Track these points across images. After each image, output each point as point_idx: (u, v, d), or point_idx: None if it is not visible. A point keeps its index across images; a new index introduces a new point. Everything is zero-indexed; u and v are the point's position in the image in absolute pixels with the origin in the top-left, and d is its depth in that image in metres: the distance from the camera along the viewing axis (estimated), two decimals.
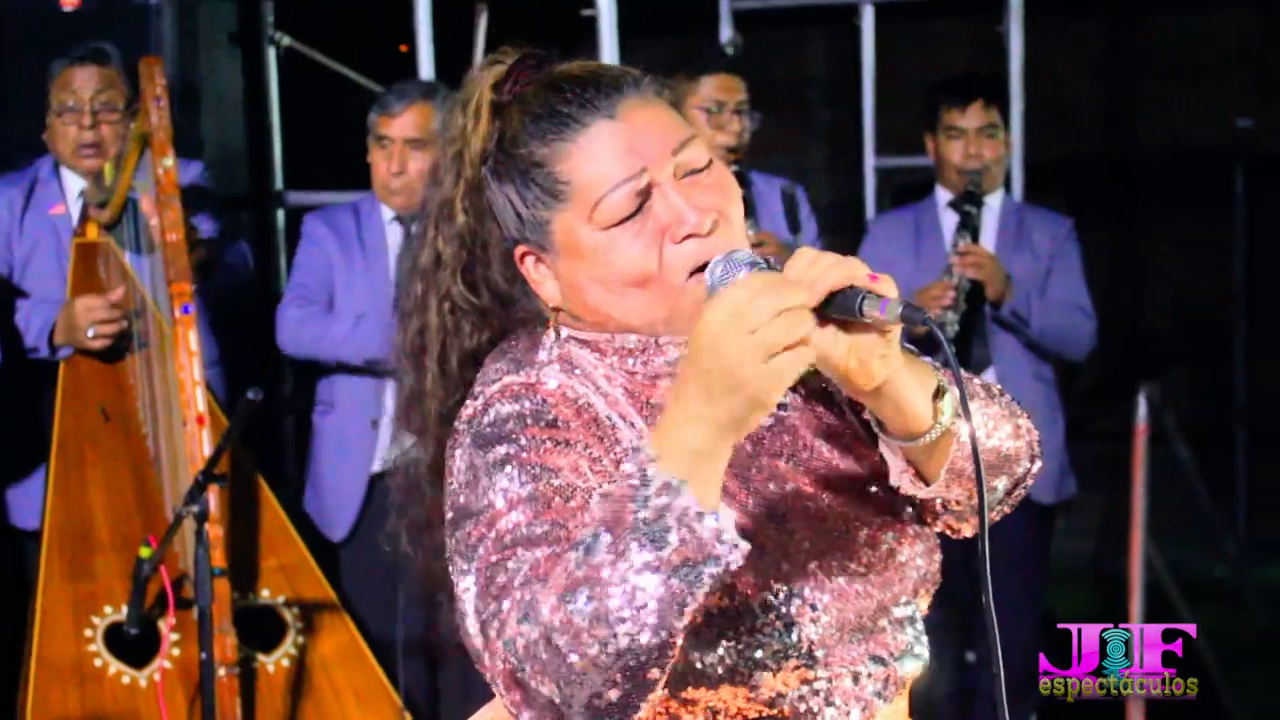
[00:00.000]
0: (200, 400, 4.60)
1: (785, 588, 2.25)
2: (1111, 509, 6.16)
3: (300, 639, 4.92)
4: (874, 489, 2.42)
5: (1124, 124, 11.56)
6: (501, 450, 2.19)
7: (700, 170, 2.29)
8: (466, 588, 2.12)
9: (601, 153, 2.25)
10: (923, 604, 2.42)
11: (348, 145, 5.80)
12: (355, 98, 6.54)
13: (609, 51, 5.96)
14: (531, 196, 2.28)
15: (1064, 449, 5.97)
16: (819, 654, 2.27)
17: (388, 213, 5.59)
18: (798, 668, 2.25)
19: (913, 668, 2.40)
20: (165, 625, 4.65)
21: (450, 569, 2.19)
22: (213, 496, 4.37)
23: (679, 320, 2.26)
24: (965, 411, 2.20)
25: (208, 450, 4.51)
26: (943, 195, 5.96)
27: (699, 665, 2.22)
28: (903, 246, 5.90)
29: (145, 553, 4.47)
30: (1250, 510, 10.75)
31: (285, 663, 4.86)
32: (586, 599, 1.95)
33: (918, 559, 2.39)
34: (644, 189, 2.24)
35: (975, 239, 5.69)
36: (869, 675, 2.34)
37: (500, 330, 2.42)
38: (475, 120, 2.33)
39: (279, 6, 6.73)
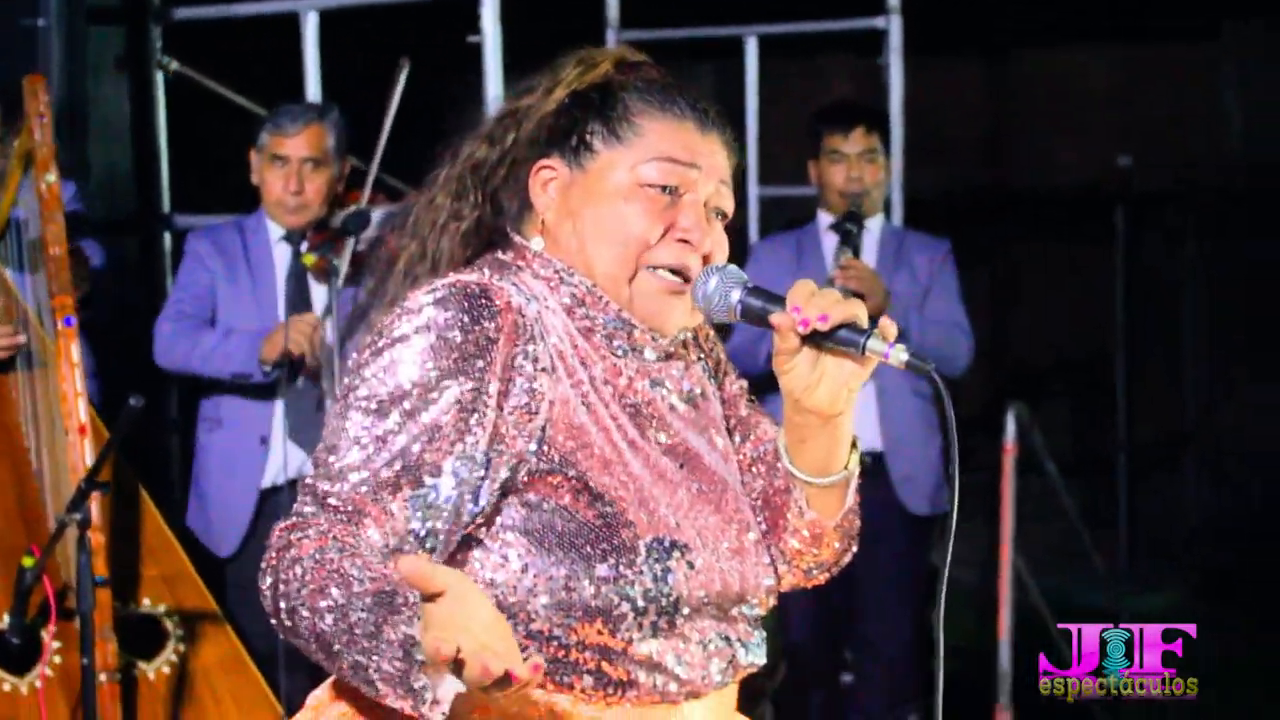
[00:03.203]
0: (82, 411, 4.62)
1: (670, 539, 2.44)
2: (994, 538, 6.26)
3: (181, 647, 4.93)
4: (745, 492, 2.69)
5: (1004, 160, 11.72)
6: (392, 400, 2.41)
7: (721, 217, 2.60)
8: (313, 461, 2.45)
9: (679, 136, 2.58)
10: (761, 611, 2.64)
11: (235, 168, 5.83)
12: (243, 121, 6.58)
13: (493, 78, 6.00)
14: (599, 125, 2.58)
15: (940, 463, 6.08)
16: (682, 611, 2.45)
17: (275, 231, 5.62)
18: (660, 614, 2.43)
19: (752, 659, 2.61)
20: (47, 634, 4.65)
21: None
22: (94, 505, 4.40)
23: (625, 294, 2.56)
24: (952, 460, 2.52)
25: (90, 460, 4.53)
26: (824, 219, 6.08)
27: (574, 595, 2.40)
28: (784, 268, 5.99)
29: (28, 562, 4.47)
30: (1132, 539, 10.90)
31: (166, 670, 4.86)
32: (305, 627, 2.25)
33: (769, 570, 2.63)
34: (687, 183, 2.56)
35: (856, 256, 5.79)
36: (716, 650, 2.53)
37: (483, 228, 2.67)
38: (584, 73, 2.63)
39: (167, 31, 6.75)
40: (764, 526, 2.68)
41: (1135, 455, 11.19)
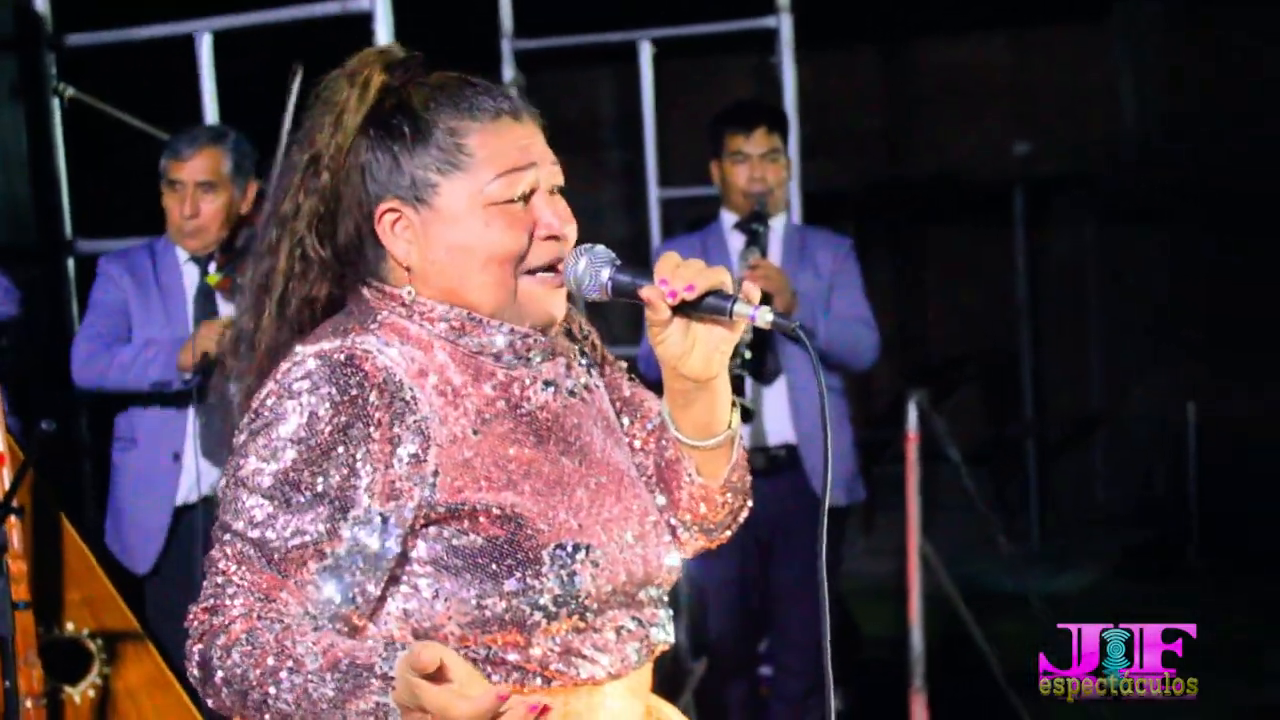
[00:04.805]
0: None
1: (573, 542, 2.53)
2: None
3: (106, 669, 4.98)
4: (640, 473, 2.79)
5: (902, 152, 11.81)
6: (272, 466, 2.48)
7: (559, 190, 2.63)
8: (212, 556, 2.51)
9: (507, 141, 2.58)
10: (665, 590, 2.74)
11: (136, 192, 5.84)
12: (142, 145, 6.58)
13: None
14: (428, 158, 2.57)
15: (853, 454, 6.16)
16: (591, 607, 2.54)
17: (183, 254, 5.65)
18: (571, 614, 2.51)
19: (663, 638, 2.70)
20: None
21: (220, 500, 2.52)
22: (13, 531, 4.42)
23: (511, 308, 2.60)
24: (823, 416, 2.56)
25: (7, 487, 4.55)
26: (728, 218, 6.14)
27: (487, 613, 2.48)
28: None
29: None
30: (1044, 522, 11.02)
31: (91, 694, 4.91)
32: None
33: (670, 548, 2.73)
34: (530, 183, 2.57)
35: (763, 256, 5.86)
36: (629, 633, 2.62)
37: (338, 284, 2.67)
38: (362, 92, 2.59)
39: (61, 58, 6.75)
40: (661, 501, 2.79)
41: (1044, 439, 11.32)
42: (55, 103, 6.72)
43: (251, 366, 2.66)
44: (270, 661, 2.36)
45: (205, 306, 5.56)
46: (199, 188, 5.55)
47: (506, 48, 7.72)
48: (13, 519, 4.39)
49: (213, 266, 5.52)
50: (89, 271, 5.96)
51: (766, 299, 5.64)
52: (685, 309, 2.55)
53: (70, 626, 4.99)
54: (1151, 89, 11.29)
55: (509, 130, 2.60)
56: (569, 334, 2.84)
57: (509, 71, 7.67)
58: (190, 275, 5.63)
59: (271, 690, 2.35)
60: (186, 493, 5.54)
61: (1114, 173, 11.18)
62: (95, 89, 6.77)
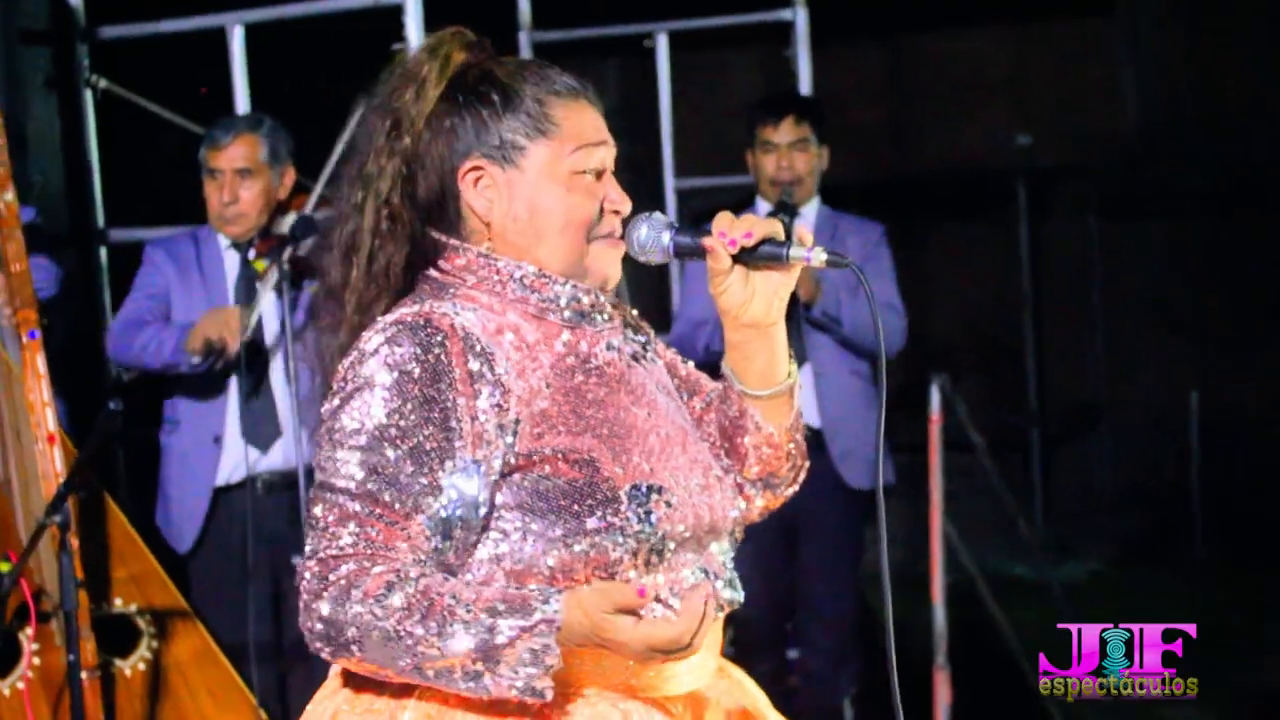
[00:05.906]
0: (50, 420, 4.73)
1: (646, 484, 2.69)
2: (920, 517, 6.44)
3: (154, 644, 5.08)
4: (704, 438, 2.95)
5: (904, 145, 11.88)
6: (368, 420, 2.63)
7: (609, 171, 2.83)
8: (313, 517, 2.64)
9: (587, 118, 2.80)
10: (731, 552, 2.89)
11: (167, 182, 5.94)
12: (174, 136, 6.69)
13: None
14: (517, 123, 2.77)
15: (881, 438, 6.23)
16: (669, 545, 2.69)
17: (224, 241, 5.77)
18: (651, 552, 2.67)
19: (731, 595, 2.84)
20: (26, 637, 4.79)
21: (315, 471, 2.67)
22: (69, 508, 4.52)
23: (579, 268, 2.80)
24: (881, 357, 2.95)
25: (59, 468, 4.66)
26: (762, 206, 6.24)
27: (574, 549, 2.63)
28: None
29: (4, 567, 4.60)
30: (1047, 510, 11.10)
31: (142, 667, 5.02)
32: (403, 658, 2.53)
33: (734, 499, 2.90)
34: (603, 160, 2.79)
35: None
36: (699, 581, 2.75)
37: (418, 241, 2.82)
38: (444, 65, 2.80)
39: (94, 50, 6.84)
40: (726, 462, 2.96)
41: (1047, 429, 11.39)
42: (88, 94, 6.82)
43: (343, 321, 2.81)
44: (419, 612, 2.50)
45: (246, 292, 5.66)
46: (237, 174, 5.66)
47: (524, 40, 7.80)
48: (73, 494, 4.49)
49: (253, 253, 5.62)
50: (121, 260, 6.05)
51: (792, 293, 5.74)
52: (744, 257, 2.75)
53: (119, 602, 5.10)
54: (1152, 81, 11.38)
55: (585, 109, 2.82)
56: (624, 321, 2.99)
57: None
58: (231, 261, 5.75)
59: (425, 640, 2.49)
60: (229, 473, 5.65)
61: (1115, 164, 11.26)
62: (127, 81, 6.87)
